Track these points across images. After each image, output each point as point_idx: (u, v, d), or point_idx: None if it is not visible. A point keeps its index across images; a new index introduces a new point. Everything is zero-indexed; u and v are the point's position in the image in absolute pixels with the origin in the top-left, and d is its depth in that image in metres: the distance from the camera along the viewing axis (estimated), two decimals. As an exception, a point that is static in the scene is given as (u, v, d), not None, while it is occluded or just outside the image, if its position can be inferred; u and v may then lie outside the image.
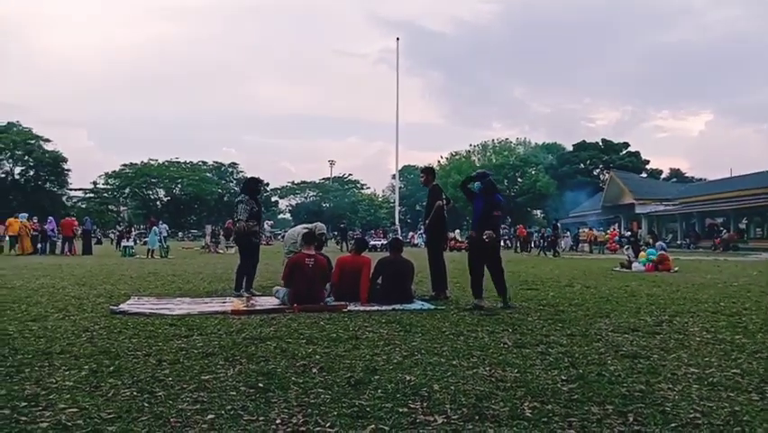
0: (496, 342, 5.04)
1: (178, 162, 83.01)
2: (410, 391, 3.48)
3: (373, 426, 2.87)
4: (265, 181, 74.55)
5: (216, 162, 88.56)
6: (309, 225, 9.66)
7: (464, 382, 3.70)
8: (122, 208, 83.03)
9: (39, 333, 5.25)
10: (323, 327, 5.78)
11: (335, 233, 45.40)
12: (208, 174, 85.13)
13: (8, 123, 70.46)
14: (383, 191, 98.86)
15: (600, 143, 72.36)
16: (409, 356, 4.42)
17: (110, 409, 3.07)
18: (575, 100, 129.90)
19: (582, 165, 71.45)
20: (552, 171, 70.23)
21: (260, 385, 3.57)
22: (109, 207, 79.49)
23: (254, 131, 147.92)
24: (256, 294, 8.53)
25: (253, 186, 9.39)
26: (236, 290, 8.72)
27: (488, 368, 4.08)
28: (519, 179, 72.71)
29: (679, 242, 43.84)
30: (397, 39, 47.41)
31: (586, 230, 40.14)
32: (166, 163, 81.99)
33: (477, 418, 3.01)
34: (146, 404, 3.18)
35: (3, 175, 71.19)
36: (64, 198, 74.19)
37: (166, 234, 25.64)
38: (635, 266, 15.75)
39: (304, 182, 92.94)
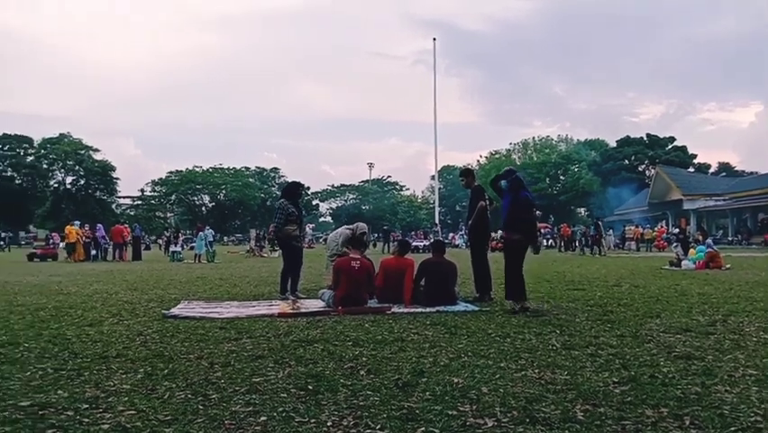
0: (544, 344, 4.98)
1: (222, 168, 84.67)
2: (458, 393, 3.47)
3: (423, 428, 2.88)
4: (306, 185, 75.44)
5: (259, 167, 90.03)
6: (351, 226, 9.74)
7: (513, 384, 3.67)
8: (168, 215, 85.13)
9: (95, 337, 5.45)
10: (368, 329, 5.81)
11: (378, 234, 45.59)
12: (251, 179, 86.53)
13: (60, 134, 73.28)
14: (422, 192, 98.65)
15: (645, 138, 70.59)
16: (456, 359, 4.41)
17: (166, 412, 3.16)
18: (618, 95, 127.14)
19: (627, 161, 69.80)
20: (595, 168, 68.81)
21: (310, 387, 3.62)
22: (156, 213, 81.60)
23: (295, 135, 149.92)
24: (301, 297, 8.64)
25: (294, 190, 9.53)
26: (282, 293, 8.84)
27: (536, 370, 4.04)
28: (561, 177, 71.54)
29: (730, 238, 42.45)
30: (434, 39, 47.25)
31: (632, 228, 39.16)
32: (210, 170, 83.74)
33: (528, 421, 2.99)
34: (200, 406, 3.26)
35: (56, 185, 74.04)
36: (113, 206, 76.58)
37: (212, 240, 26.16)
38: (685, 264, 15.33)
39: (343, 185, 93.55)
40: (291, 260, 9.00)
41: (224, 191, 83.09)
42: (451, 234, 51.54)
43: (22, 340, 5.27)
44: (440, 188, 65.06)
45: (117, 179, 74.60)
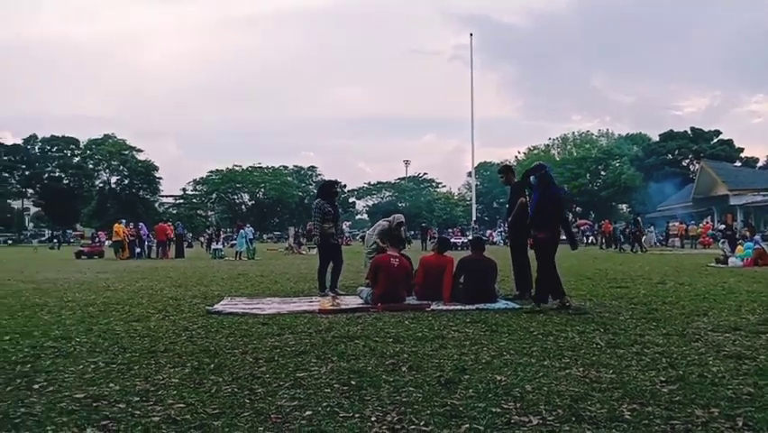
0: (587, 342, 4.91)
1: (261, 167, 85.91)
2: (502, 391, 3.46)
3: (467, 425, 2.88)
4: (342, 183, 75.97)
5: (296, 166, 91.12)
6: (388, 219, 9.81)
7: (557, 382, 3.63)
8: (209, 213, 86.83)
9: (143, 332, 5.60)
10: (408, 326, 5.83)
11: (415, 231, 45.65)
12: (289, 178, 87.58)
13: (104, 135, 75.59)
14: (459, 189, 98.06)
15: (689, 132, 68.53)
16: (498, 356, 4.39)
17: (214, 405, 3.24)
18: (660, 88, 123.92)
19: (670, 156, 67.93)
20: (637, 163, 67.22)
21: (353, 383, 3.66)
22: (198, 212, 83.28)
23: (332, 134, 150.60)
24: (341, 293, 8.71)
25: (329, 189, 9.64)
26: (321, 290, 8.93)
27: (581, 369, 3.99)
28: (602, 173, 70.15)
29: (780, 235, 40.92)
30: (471, 34, 46.90)
31: (677, 224, 38.15)
32: (249, 168, 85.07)
33: (573, 419, 2.96)
34: (247, 400, 3.33)
35: (101, 184, 76.32)
36: (156, 205, 78.55)
37: (252, 237, 26.56)
38: (732, 261, 14.89)
39: (380, 183, 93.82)
40: (327, 257, 9.08)
41: (262, 190, 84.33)
42: (488, 231, 51.14)
43: (74, 335, 5.45)
44: (477, 185, 64.54)
45: (160, 178, 76.56)
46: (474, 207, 49.64)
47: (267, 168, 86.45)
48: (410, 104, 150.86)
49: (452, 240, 25.18)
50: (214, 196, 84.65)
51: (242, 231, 24.82)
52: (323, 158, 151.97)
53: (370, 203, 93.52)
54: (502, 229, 44.35)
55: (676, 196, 56.02)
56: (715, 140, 67.36)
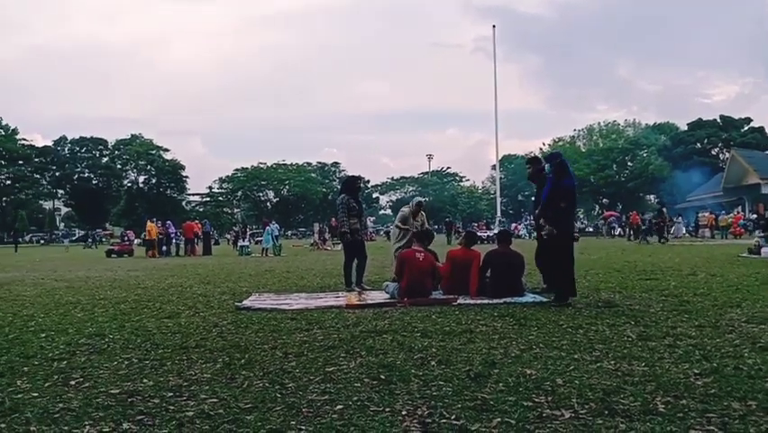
0: (618, 335, 4.85)
1: (285, 165, 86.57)
2: (532, 384, 3.43)
3: (499, 419, 2.87)
4: (365, 178, 76.13)
5: (320, 163, 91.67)
6: (409, 205, 9.88)
7: (589, 376, 3.60)
8: (235, 210, 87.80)
9: (174, 329, 5.69)
10: (435, 320, 5.82)
11: (439, 226, 45.57)
12: (313, 174, 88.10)
13: (131, 135, 76.94)
14: (483, 183, 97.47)
15: (718, 120, 67.10)
16: (527, 350, 4.36)
17: (246, 400, 3.28)
18: (687, 75, 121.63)
19: (699, 145, 66.60)
20: (665, 153, 66.02)
21: (382, 377, 3.67)
22: (224, 209, 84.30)
23: (354, 130, 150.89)
24: (367, 288, 8.73)
25: (352, 184, 9.65)
26: (347, 285, 8.96)
27: (612, 362, 3.94)
28: (629, 163, 69.11)
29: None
30: (493, 26, 46.57)
31: (706, 214, 37.42)
32: (274, 166, 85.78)
33: (606, 412, 2.93)
34: (278, 395, 3.36)
35: (129, 184, 77.67)
36: (183, 203, 79.64)
37: (277, 234, 26.79)
38: (765, 252, 14.53)
39: (403, 177, 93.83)
40: (352, 253, 9.10)
41: (287, 186, 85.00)
42: (513, 225, 50.77)
43: (107, 332, 5.56)
44: (501, 178, 64.05)
45: (186, 177, 77.70)
46: (499, 200, 49.31)
47: (291, 165, 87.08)
48: (433, 98, 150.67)
49: (479, 233, 25.08)
50: (239, 193, 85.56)
51: (267, 228, 25.05)
52: (346, 154, 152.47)
53: (394, 198, 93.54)
54: (528, 222, 44.01)
55: (705, 186, 54.91)
56: (745, 128, 65.82)
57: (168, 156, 76.34)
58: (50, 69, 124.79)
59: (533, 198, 8.62)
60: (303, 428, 2.83)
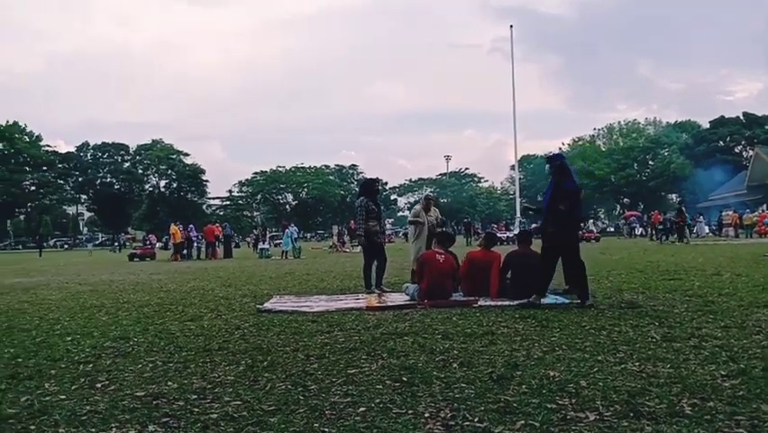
0: (642, 336, 4.79)
1: (304, 168, 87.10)
2: (556, 387, 3.41)
3: (522, 421, 2.85)
4: (383, 180, 76.28)
5: (338, 165, 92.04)
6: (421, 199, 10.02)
7: (613, 377, 3.56)
8: (255, 213, 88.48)
9: (197, 331, 5.74)
10: (456, 322, 5.80)
11: (458, 227, 45.44)
12: (331, 177, 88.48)
13: (152, 140, 77.98)
14: (501, 183, 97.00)
15: (741, 117, 66.02)
16: (550, 352, 4.32)
17: (269, 402, 3.30)
18: (709, 72, 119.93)
19: (722, 143, 65.56)
20: (687, 152, 65.06)
21: (404, 379, 3.66)
22: (244, 212, 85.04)
23: (372, 132, 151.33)
24: (386, 290, 8.73)
25: (371, 187, 9.69)
26: (367, 287, 8.97)
27: (637, 363, 3.89)
28: (650, 162, 68.21)
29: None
30: (511, 26, 46.27)
31: (729, 213, 36.79)
32: (292, 169, 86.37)
33: (632, 415, 2.89)
34: (301, 397, 3.38)
35: (150, 188, 78.67)
36: (204, 207, 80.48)
37: (296, 236, 26.92)
38: (793, 251, 14.24)
39: (421, 179, 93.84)
40: (371, 255, 9.11)
41: (305, 189, 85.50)
42: (533, 225, 50.40)
43: (132, 335, 5.63)
44: (520, 179, 63.64)
45: (207, 181, 78.60)
46: (518, 200, 48.89)
47: (309, 168, 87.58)
48: (450, 99, 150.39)
49: (499, 234, 24.96)
50: (258, 197, 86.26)
51: (287, 230, 25.19)
52: (363, 156, 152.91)
53: (412, 200, 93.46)
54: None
55: (728, 184, 54.03)
56: (769, 125, 64.64)
57: (188, 160, 77.39)
58: (71, 76, 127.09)
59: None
60: (326, 430, 2.84)
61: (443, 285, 7.33)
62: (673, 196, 69.82)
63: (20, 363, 4.51)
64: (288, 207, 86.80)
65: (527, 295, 7.06)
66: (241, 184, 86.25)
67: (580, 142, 75.41)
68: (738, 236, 31.94)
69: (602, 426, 2.77)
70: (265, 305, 7.38)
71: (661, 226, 29.43)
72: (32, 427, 3.03)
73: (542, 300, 6.77)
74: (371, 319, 6.09)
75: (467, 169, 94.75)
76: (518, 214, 45.66)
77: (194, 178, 77.18)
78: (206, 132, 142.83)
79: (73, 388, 3.75)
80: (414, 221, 9.77)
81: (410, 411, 3.06)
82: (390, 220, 61.82)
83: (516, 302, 6.83)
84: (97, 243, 62.61)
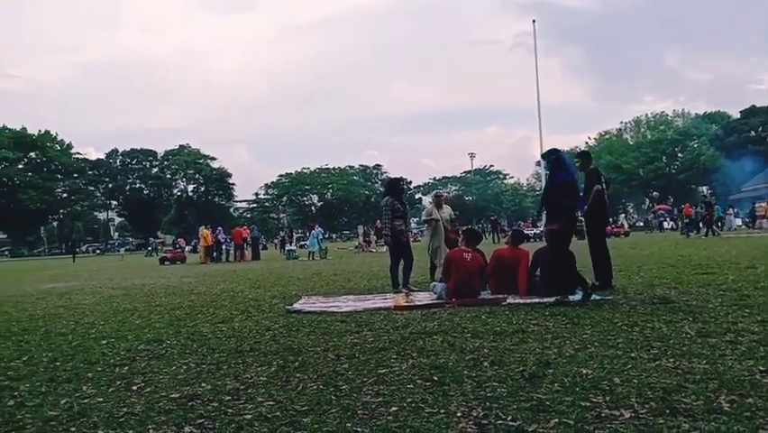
0: (676, 332, 4.71)
1: (328, 169, 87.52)
2: (589, 384, 3.37)
3: (556, 419, 2.83)
4: (407, 179, 76.20)
5: (362, 165, 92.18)
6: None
7: (647, 374, 3.51)
8: (281, 215, 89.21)
9: (228, 333, 5.81)
10: (485, 320, 5.77)
11: (484, 224, 45.23)
12: (355, 177, 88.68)
13: (180, 146, 79.14)
14: (527, 180, 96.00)
15: (773, 106, 64.34)
16: (582, 349, 4.28)
17: (302, 402, 3.33)
18: (738, 61, 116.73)
19: (753, 133, 63.96)
20: (717, 143, 63.70)
21: (435, 378, 3.66)
22: (270, 215, 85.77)
23: (395, 131, 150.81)
24: (414, 289, 8.72)
25: (396, 186, 9.71)
26: (394, 287, 8.97)
27: (671, 359, 3.83)
28: (679, 155, 66.99)
29: None
30: (533, 21, 45.79)
31: (763, 204, 35.89)
32: (317, 170, 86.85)
33: (668, 412, 2.85)
34: (333, 397, 3.40)
35: (178, 193, 79.88)
36: (231, 210, 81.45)
37: (322, 237, 27.05)
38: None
39: (445, 177, 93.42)
40: (397, 255, 9.11)
41: (330, 190, 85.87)
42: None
43: (165, 337, 5.73)
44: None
45: (233, 184, 79.55)
46: (545, 197, 48.44)
47: (333, 169, 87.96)
48: (472, 96, 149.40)
49: (526, 231, 24.70)
50: (284, 199, 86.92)
51: (313, 231, 25.35)
52: (387, 156, 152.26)
53: (443, 200, 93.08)
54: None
55: (761, 175, 52.71)
56: (803, 113, 62.89)
57: (215, 165, 78.40)
58: (99, 85, 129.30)
59: (581, 194, 8.41)
60: (359, 429, 2.86)
61: (470, 283, 7.30)
62: (704, 188, 68.44)
63: (58, 367, 4.62)
64: (313, 208, 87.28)
65: (558, 292, 6.99)
66: (266, 187, 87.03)
67: (607, 136, 74.39)
68: (772, 228, 31.15)
69: (638, 423, 2.73)
70: (294, 306, 7.44)
71: (687, 220, 28.84)
72: (73, 428, 3.11)
73: (570, 298, 6.70)
74: (400, 319, 6.10)
75: (492, 166, 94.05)
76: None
77: (221, 181, 78.17)
78: (232, 136, 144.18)
79: (110, 390, 3.83)
80: (428, 220, 9.87)
81: (442, 410, 3.05)
82: (415, 219, 61.63)
83: (546, 300, 6.77)
84: (129, 247, 63.73)
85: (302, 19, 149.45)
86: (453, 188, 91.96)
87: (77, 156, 74.85)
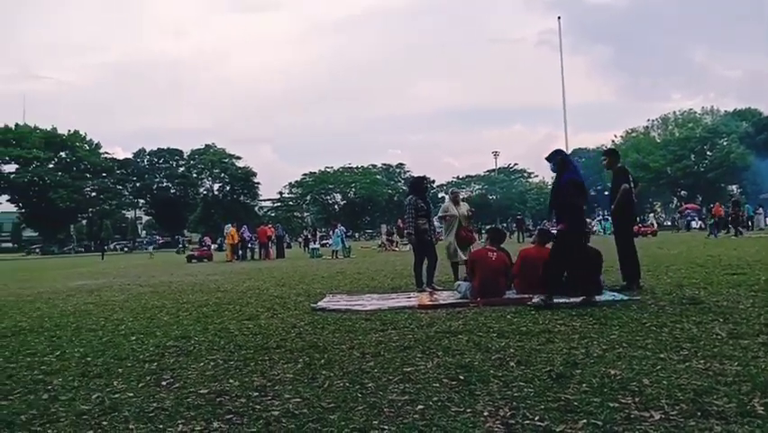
0: (706, 333, 4.63)
1: (351, 168, 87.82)
2: (617, 385, 3.33)
3: (585, 420, 2.80)
4: (431, 178, 76.00)
5: (385, 164, 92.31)
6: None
7: (677, 376, 3.45)
8: (305, 214, 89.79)
9: (255, 330, 5.87)
10: (510, 320, 5.74)
11: (509, 223, 44.93)
12: (378, 176, 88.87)
13: (205, 145, 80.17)
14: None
15: (807, 103, 62.74)
16: (610, 350, 4.23)
17: (328, 399, 3.35)
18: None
19: (785, 130, 62.42)
20: (747, 141, 62.24)
21: (461, 378, 3.65)
22: (294, 213, 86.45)
23: (418, 130, 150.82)
24: (438, 288, 8.70)
25: (420, 185, 9.71)
26: (418, 286, 8.97)
27: (702, 361, 3.77)
28: (708, 153, 65.69)
29: None
30: (558, 18, 45.34)
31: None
32: (340, 169, 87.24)
33: (699, 414, 2.81)
34: (359, 395, 3.41)
35: (204, 192, 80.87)
36: (256, 209, 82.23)
37: (344, 236, 27.14)
38: None
39: (468, 176, 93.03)
40: (421, 253, 9.11)
41: (353, 189, 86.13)
42: (587, 220, 49.21)
43: (192, 334, 5.80)
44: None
45: (258, 183, 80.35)
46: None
47: (357, 168, 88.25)
48: (496, 94, 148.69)
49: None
50: (308, 197, 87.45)
51: (336, 230, 25.46)
52: (410, 154, 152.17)
53: (460, 197, 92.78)
54: (601, 217, 42.59)
55: (795, 173, 51.43)
56: (838, 109, 61.20)
57: (240, 164, 79.26)
58: (127, 86, 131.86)
59: (608, 193, 8.32)
60: (386, 427, 2.86)
61: (495, 283, 7.26)
62: (733, 187, 67.06)
63: (89, 362, 4.71)
64: (336, 207, 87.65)
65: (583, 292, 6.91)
66: (291, 186, 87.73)
67: (634, 134, 73.32)
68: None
69: (668, 425, 2.70)
70: (319, 304, 7.48)
71: (712, 221, 28.29)
72: (105, 423, 3.17)
73: (598, 298, 6.62)
74: (424, 318, 6.09)
75: (516, 164, 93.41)
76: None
77: (246, 180, 78.95)
78: (257, 135, 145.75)
79: (140, 386, 3.90)
80: (444, 215, 9.83)
81: (469, 410, 3.05)
82: (436, 217, 61.77)
83: (572, 299, 6.70)
84: (156, 245, 64.70)
85: (325, 17, 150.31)
86: (477, 186, 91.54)
87: (106, 156, 76.31)
